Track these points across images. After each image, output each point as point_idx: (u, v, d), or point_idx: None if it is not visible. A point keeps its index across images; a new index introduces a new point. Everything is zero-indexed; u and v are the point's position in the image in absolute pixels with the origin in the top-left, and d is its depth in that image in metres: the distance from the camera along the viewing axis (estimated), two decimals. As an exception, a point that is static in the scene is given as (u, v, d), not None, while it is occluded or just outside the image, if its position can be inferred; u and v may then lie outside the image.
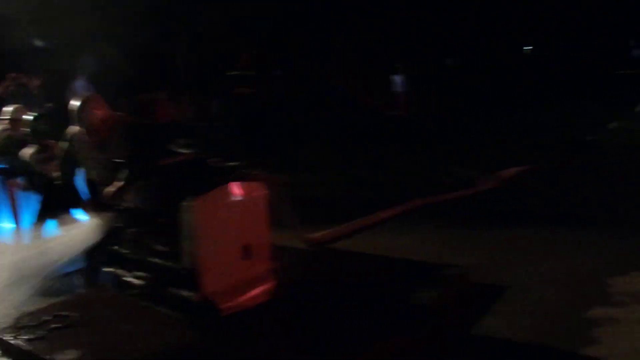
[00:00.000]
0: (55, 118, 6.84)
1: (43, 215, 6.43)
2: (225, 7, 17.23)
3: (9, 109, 7.77)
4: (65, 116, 5.79)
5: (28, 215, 7.15)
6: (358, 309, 5.03)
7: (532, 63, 55.98)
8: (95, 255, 5.70)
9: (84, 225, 5.67)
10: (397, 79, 20.95)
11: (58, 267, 5.57)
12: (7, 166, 7.42)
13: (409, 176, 11.52)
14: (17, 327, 4.91)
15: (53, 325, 4.90)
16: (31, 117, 7.22)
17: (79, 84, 11.12)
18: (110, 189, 5.39)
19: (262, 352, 4.49)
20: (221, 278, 4.99)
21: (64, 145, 5.85)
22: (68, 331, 4.85)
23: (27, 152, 6.99)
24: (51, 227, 6.29)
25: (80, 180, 5.97)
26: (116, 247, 5.54)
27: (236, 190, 5.21)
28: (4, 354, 4.71)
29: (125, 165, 5.40)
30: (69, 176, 5.93)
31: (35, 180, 6.92)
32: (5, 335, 4.83)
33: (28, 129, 7.17)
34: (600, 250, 6.88)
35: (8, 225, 7.54)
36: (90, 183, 5.78)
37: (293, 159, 12.27)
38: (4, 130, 7.59)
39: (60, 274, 6.10)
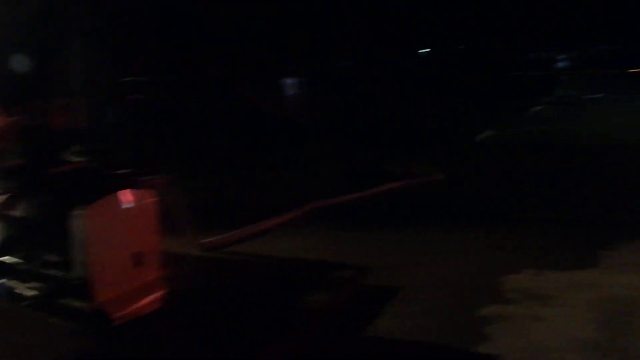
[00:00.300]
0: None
1: None
2: (119, 11, 16.95)
3: None
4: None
5: None
6: (252, 313, 5.08)
7: (428, 66, 57.34)
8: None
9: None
10: (289, 82, 21.20)
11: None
12: None
13: (304, 178, 11.64)
14: None
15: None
16: None
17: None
18: (1, 198, 5.27)
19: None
20: (113, 287, 4.95)
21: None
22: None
23: None
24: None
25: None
26: (7, 258, 5.41)
27: (126, 197, 5.18)
28: None
29: (17, 173, 5.29)
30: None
31: None
32: None
33: None
34: (494, 249, 7.07)
35: None
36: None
37: (188, 164, 12.13)
38: None
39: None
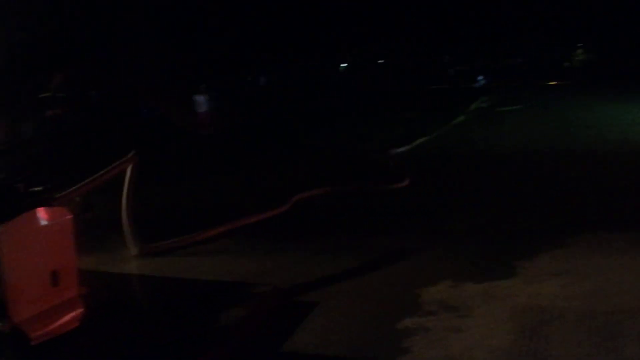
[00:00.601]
0: None
1: None
2: (37, 26, 16.61)
3: None
4: None
5: None
6: (169, 331, 4.98)
7: (348, 80, 59.13)
8: None
9: None
10: (200, 99, 21.42)
11: None
12: None
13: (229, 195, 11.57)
14: None
15: None
16: None
17: None
18: None
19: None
20: (30, 306, 4.89)
21: None
22: None
23: None
24: None
25: None
26: None
27: (42, 215, 5.11)
28: None
29: None
30: None
31: None
32: None
33: None
34: (410, 261, 7.11)
35: None
36: None
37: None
38: None
39: None
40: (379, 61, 77.69)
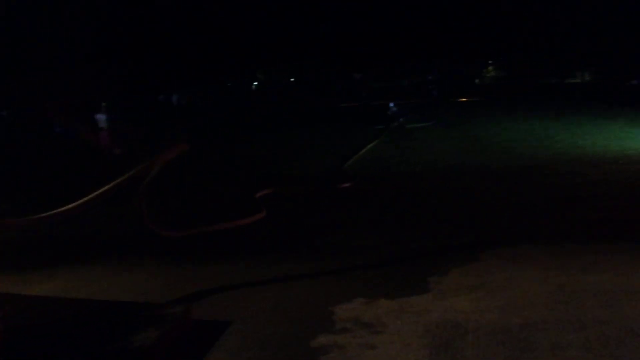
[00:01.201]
0: None
1: None
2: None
3: None
4: None
5: None
6: (81, 355, 4.82)
7: (259, 98, 60.10)
8: None
9: None
10: (101, 117, 21.21)
11: None
12: None
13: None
14: None
15: None
16: None
17: None
18: None
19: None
20: None
21: None
22: None
23: None
24: None
25: None
26: None
27: None
28: None
29: None
30: None
31: None
32: None
33: None
34: (324, 278, 7.11)
35: None
36: None
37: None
38: None
39: None
40: (291, 79, 78.49)
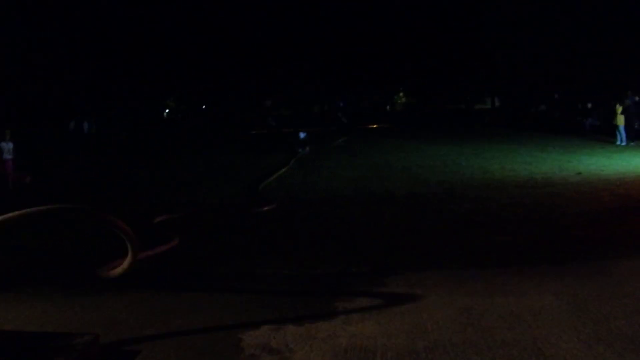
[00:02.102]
0: None
1: None
2: None
3: None
4: None
5: None
6: None
7: (170, 124, 60.19)
8: None
9: None
10: (7, 146, 20.58)
11: None
12: None
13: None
14: None
15: None
16: None
17: None
18: None
19: None
20: None
21: None
22: None
23: None
24: None
25: None
26: None
27: None
28: None
29: None
30: None
31: None
32: None
33: None
34: (230, 305, 7.10)
35: None
36: None
37: None
38: None
39: None
40: (202, 106, 78.14)
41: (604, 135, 29.31)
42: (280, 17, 69.64)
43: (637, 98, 28.07)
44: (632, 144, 26.08)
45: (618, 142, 26.38)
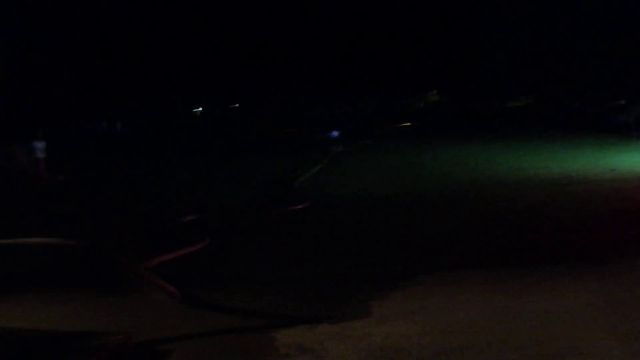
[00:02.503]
0: None
1: None
2: None
3: None
4: None
5: None
6: None
7: (202, 124, 60.56)
8: None
9: None
10: (39, 145, 20.71)
11: None
12: None
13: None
14: None
15: None
16: None
17: None
18: None
19: None
20: None
21: None
22: None
23: None
24: None
25: None
26: None
27: None
28: None
29: None
30: None
31: None
32: None
33: None
34: (266, 304, 7.13)
35: None
36: None
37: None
38: None
39: None
40: (234, 105, 78.08)
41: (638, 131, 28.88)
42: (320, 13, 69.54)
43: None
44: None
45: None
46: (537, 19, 48.87)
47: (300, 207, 13.60)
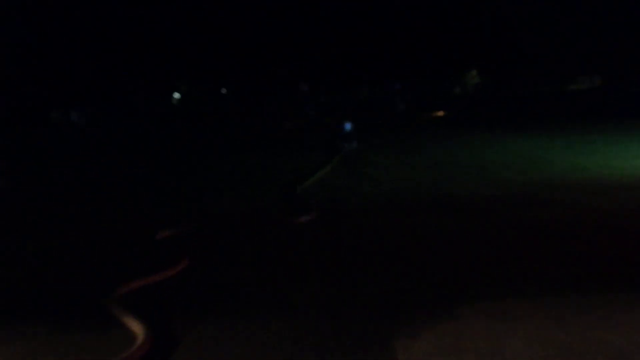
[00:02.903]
0: None
1: None
2: None
3: None
4: None
5: None
6: None
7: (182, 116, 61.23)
8: None
9: None
10: None
11: None
12: None
13: None
14: None
15: None
16: None
17: None
18: None
19: None
20: None
21: None
22: None
23: None
24: None
25: None
26: None
27: None
28: None
29: None
30: None
31: None
32: None
33: None
34: (267, 341, 6.93)
35: None
36: None
37: None
38: None
39: None
40: (222, 90, 77.99)
41: None
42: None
43: None
44: None
45: None
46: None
47: (304, 219, 13.47)
